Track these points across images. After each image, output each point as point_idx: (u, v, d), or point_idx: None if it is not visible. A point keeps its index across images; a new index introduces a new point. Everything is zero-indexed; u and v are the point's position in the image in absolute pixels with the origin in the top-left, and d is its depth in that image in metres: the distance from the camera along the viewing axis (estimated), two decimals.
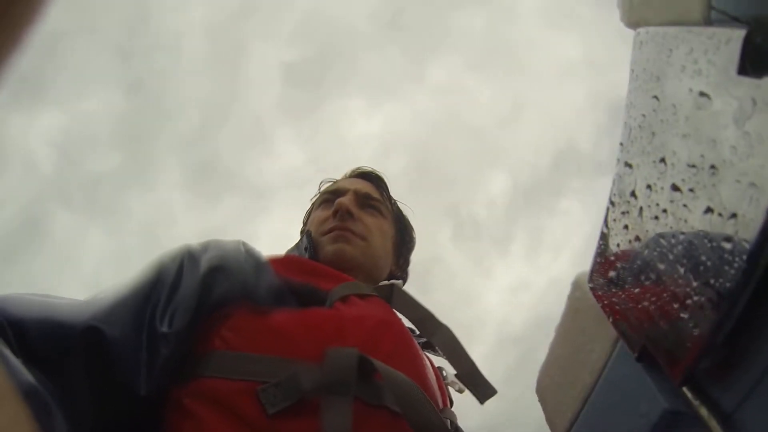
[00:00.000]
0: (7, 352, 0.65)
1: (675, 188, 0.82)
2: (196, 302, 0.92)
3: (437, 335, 1.11)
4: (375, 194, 1.40)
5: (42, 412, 0.61)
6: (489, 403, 1.07)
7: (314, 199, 1.48)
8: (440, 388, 1.10)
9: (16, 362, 0.65)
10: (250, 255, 1.06)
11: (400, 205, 1.51)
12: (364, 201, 1.36)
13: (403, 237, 1.44)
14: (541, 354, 1.35)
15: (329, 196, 1.39)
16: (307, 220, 1.46)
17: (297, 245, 1.32)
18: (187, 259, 0.99)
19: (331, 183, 1.47)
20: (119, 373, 0.81)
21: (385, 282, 1.24)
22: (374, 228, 1.33)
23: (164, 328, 0.87)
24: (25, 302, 0.81)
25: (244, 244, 1.08)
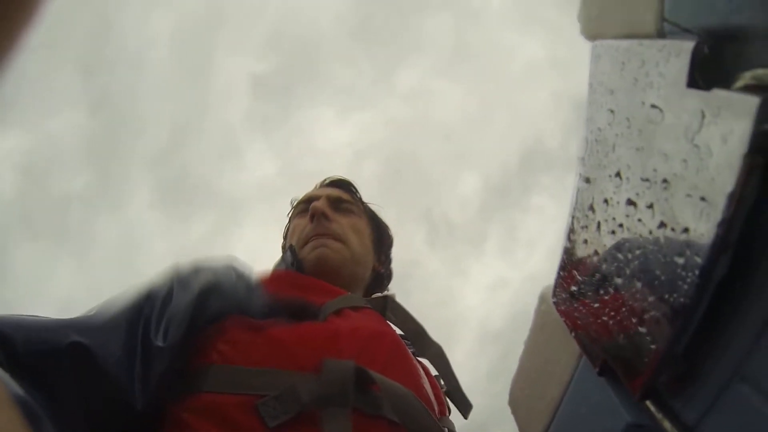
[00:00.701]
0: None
1: (630, 202, 0.82)
2: (191, 316, 0.92)
3: (429, 352, 1.14)
4: (346, 197, 1.43)
5: (32, 423, 0.59)
6: (474, 398, 1.14)
7: (290, 214, 1.49)
8: (437, 396, 1.12)
9: (4, 374, 0.65)
10: (242, 273, 1.06)
11: (372, 207, 1.54)
12: (336, 204, 1.39)
13: (379, 233, 1.48)
14: (521, 349, 1.36)
15: (303, 206, 1.41)
16: (286, 235, 1.47)
17: (283, 259, 1.32)
18: (177, 278, 0.99)
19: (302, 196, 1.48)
20: (113, 387, 0.80)
21: (379, 294, 1.29)
22: (350, 227, 1.36)
23: (159, 342, 0.87)
24: (15, 320, 0.80)
25: (234, 260, 1.09)
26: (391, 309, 1.19)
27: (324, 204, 1.36)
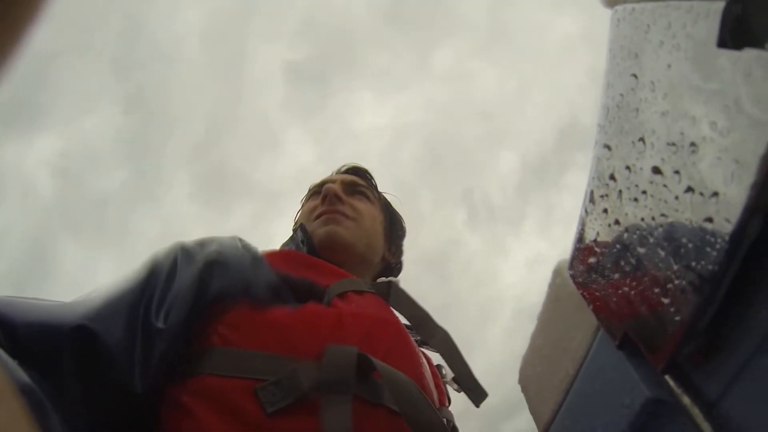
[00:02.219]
0: (2, 352, 0.65)
1: (655, 168, 0.79)
2: (193, 297, 0.92)
3: (435, 338, 1.13)
4: (361, 182, 1.45)
5: (38, 411, 0.61)
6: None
7: (303, 200, 1.52)
8: (438, 386, 1.14)
9: (11, 361, 0.64)
10: (247, 250, 1.07)
11: (388, 197, 1.57)
12: (351, 188, 1.41)
13: (392, 223, 1.49)
14: None
15: (317, 189, 1.43)
16: (297, 219, 1.48)
17: (292, 239, 1.33)
18: (181, 255, 0.99)
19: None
20: (114, 370, 0.80)
21: (383, 279, 1.29)
22: (363, 211, 1.37)
23: (159, 324, 0.86)
24: (16, 303, 0.80)
25: (240, 239, 1.09)
26: (395, 294, 1.18)
27: (338, 186, 1.37)
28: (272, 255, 1.17)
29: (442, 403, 1.14)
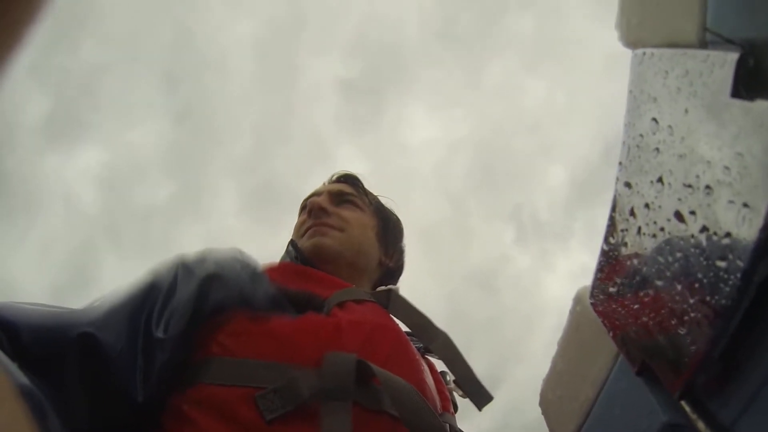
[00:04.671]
0: (2, 355, 0.67)
1: (672, 207, 0.84)
2: (192, 308, 0.93)
3: (436, 342, 1.13)
4: (349, 190, 1.44)
5: (38, 413, 0.62)
6: None
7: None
8: (441, 392, 1.15)
9: (10, 363, 0.66)
10: (246, 263, 1.08)
11: (382, 199, 1.56)
12: (338, 198, 1.41)
13: (386, 226, 1.47)
14: None
15: (305, 203, 1.44)
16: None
17: (287, 252, 1.34)
18: (181, 268, 1.00)
19: None
20: (115, 379, 0.82)
21: (383, 288, 1.26)
22: (351, 219, 1.37)
23: (160, 334, 0.88)
24: (20, 309, 0.82)
25: (240, 252, 1.09)
26: (394, 302, 1.18)
27: (324, 199, 1.39)
28: (272, 268, 1.19)
29: (446, 409, 1.14)
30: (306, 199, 1.47)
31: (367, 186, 1.50)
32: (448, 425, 1.03)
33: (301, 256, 1.29)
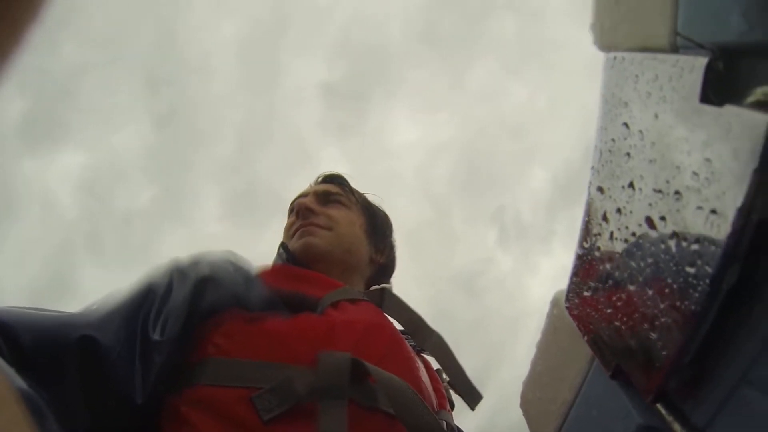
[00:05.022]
0: (0, 360, 0.66)
1: (643, 213, 0.84)
2: (187, 311, 0.93)
3: (429, 341, 1.13)
4: (335, 189, 1.43)
5: (36, 417, 0.61)
6: None
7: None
8: (437, 390, 1.14)
9: (9, 369, 0.65)
10: (240, 266, 1.08)
11: (369, 197, 1.55)
12: (325, 198, 1.40)
13: (374, 223, 1.46)
14: None
15: (293, 205, 1.42)
16: None
17: (279, 255, 1.34)
18: (176, 271, 1.00)
19: None
20: (114, 381, 0.82)
21: (376, 287, 1.28)
22: (338, 218, 1.36)
23: (156, 337, 0.88)
24: (19, 313, 0.81)
25: (233, 254, 1.09)
26: (388, 301, 1.18)
27: (311, 199, 1.38)
28: (265, 271, 1.18)
29: (442, 406, 1.13)
30: (293, 201, 1.45)
31: (352, 185, 1.51)
32: (444, 422, 1.03)
33: (292, 257, 1.29)
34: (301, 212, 1.35)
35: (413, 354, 1.10)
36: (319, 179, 1.51)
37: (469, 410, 1.13)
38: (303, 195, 1.43)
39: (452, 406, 1.25)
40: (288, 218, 1.42)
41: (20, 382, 0.64)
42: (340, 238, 1.33)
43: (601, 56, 1.04)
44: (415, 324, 1.16)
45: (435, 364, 1.23)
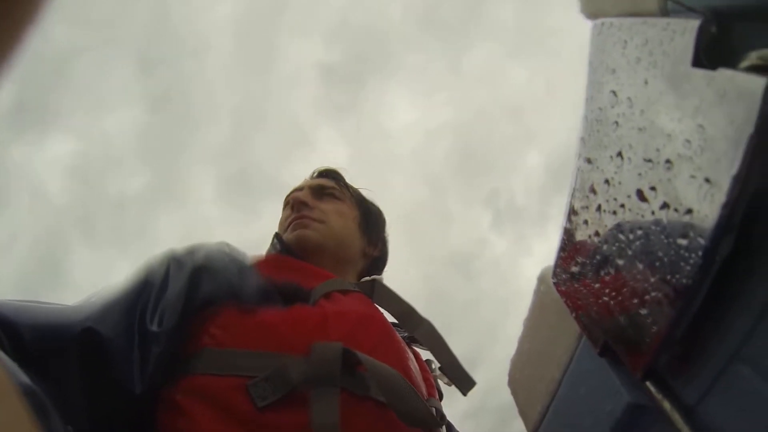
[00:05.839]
0: (2, 354, 0.66)
1: (632, 183, 0.81)
2: (183, 301, 0.94)
3: (419, 330, 1.14)
4: (329, 184, 1.45)
5: (39, 412, 0.62)
6: None
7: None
8: (426, 379, 1.16)
9: (12, 363, 0.65)
10: (234, 256, 1.09)
11: (363, 191, 1.57)
12: (319, 192, 1.42)
13: (368, 216, 1.48)
14: None
15: (288, 199, 1.45)
16: None
17: (273, 246, 1.35)
18: (173, 262, 1.01)
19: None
20: (114, 373, 0.83)
21: (367, 278, 1.30)
22: (332, 211, 1.38)
23: (154, 327, 0.89)
24: (18, 306, 0.81)
25: (228, 245, 1.11)
26: (378, 291, 1.20)
27: (305, 193, 1.40)
28: (259, 261, 1.20)
29: (431, 395, 1.15)
30: (288, 195, 1.48)
31: (348, 175, 1.53)
32: (434, 409, 1.04)
33: (286, 248, 1.31)
34: (295, 206, 1.37)
35: (403, 344, 1.12)
36: (315, 174, 1.53)
37: (464, 396, 1.13)
38: (298, 189, 1.45)
39: (441, 397, 1.26)
40: (283, 212, 1.45)
41: (23, 378, 0.64)
42: (333, 230, 1.35)
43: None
44: (405, 314, 1.17)
45: (425, 354, 1.25)
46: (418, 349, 1.27)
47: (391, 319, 1.17)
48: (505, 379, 1.39)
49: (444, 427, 1.12)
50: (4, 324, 0.75)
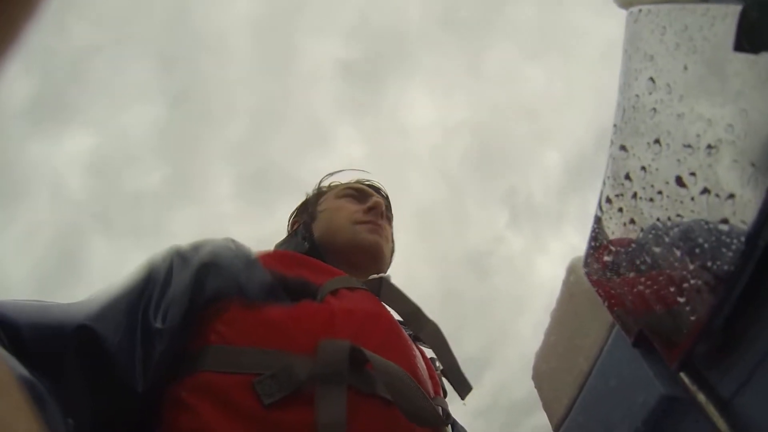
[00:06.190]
0: (1, 349, 0.66)
1: (671, 170, 0.80)
2: (189, 297, 0.94)
3: (425, 330, 1.14)
4: (390, 208, 1.50)
5: (38, 402, 0.62)
6: None
7: (320, 191, 1.53)
8: (432, 377, 1.14)
9: (9, 356, 0.66)
10: (240, 251, 1.08)
11: None
12: (387, 212, 1.46)
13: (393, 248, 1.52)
14: None
15: (354, 193, 1.46)
16: (303, 210, 1.50)
17: (294, 234, 1.36)
18: (176, 257, 1.01)
19: (348, 181, 1.54)
20: (116, 370, 0.82)
21: (374, 276, 1.28)
22: (390, 235, 1.44)
23: (158, 324, 0.88)
24: (19, 306, 0.81)
25: (233, 241, 1.11)
26: (386, 290, 1.20)
27: (384, 208, 1.42)
28: (266, 256, 1.19)
29: (437, 393, 1.15)
30: (352, 187, 1.49)
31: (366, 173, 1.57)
32: (440, 408, 1.05)
33: (311, 237, 1.33)
34: (380, 213, 1.39)
35: (410, 342, 1.12)
36: (372, 183, 1.55)
37: (461, 400, 1.14)
38: (369, 193, 1.46)
39: (445, 394, 1.27)
40: (341, 198, 1.45)
41: (22, 370, 0.64)
42: (389, 252, 1.41)
43: (618, 41, 1.00)
44: (412, 313, 1.17)
45: (429, 354, 1.26)
46: (423, 348, 1.28)
47: (397, 317, 1.18)
48: (517, 376, 1.38)
49: (450, 425, 1.12)
50: (4, 323, 0.75)
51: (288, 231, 1.49)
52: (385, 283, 1.21)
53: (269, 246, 1.36)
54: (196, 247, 1.05)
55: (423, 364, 1.09)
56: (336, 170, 1.58)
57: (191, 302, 0.94)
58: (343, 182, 1.52)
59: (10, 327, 0.75)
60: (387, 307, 1.16)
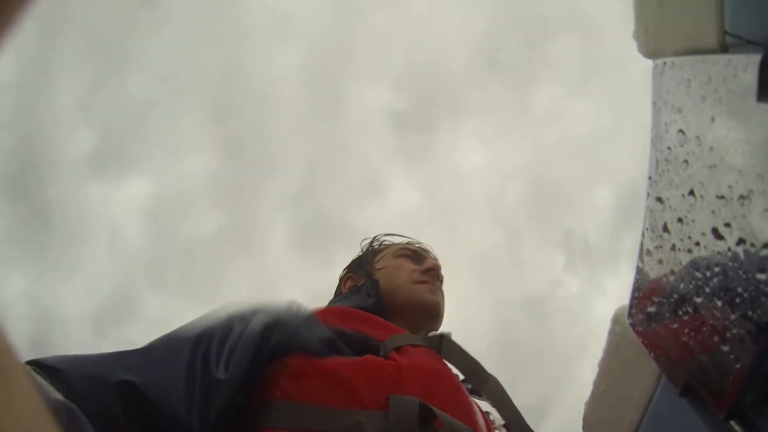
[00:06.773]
0: (33, 373, 0.70)
1: (706, 221, 0.81)
2: (255, 349, 0.94)
3: (486, 385, 1.15)
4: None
5: (74, 424, 0.64)
6: None
7: (377, 248, 1.58)
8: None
9: (45, 384, 0.69)
10: (300, 310, 1.09)
11: None
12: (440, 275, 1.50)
13: None
14: None
15: (410, 253, 1.51)
16: (358, 267, 1.54)
17: (358, 290, 1.39)
18: (236, 312, 1.02)
19: (405, 242, 1.58)
20: (169, 421, 0.83)
21: (434, 333, 1.30)
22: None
23: (219, 375, 0.89)
24: (70, 358, 0.83)
25: (293, 302, 1.11)
26: (447, 347, 1.21)
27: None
28: (323, 312, 1.20)
29: None
30: (409, 248, 1.54)
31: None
32: None
33: (376, 294, 1.34)
34: (439, 276, 1.45)
35: (471, 399, 1.12)
36: (423, 246, 1.59)
37: None
38: (425, 255, 1.52)
39: None
40: (399, 257, 1.49)
41: (56, 395, 0.67)
42: (443, 313, 1.43)
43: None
44: (473, 369, 1.19)
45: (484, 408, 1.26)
46: (479, 402, 1.28)
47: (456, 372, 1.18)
48: (579, 423, 1.37)
49: None
50: (53, 371, 0.77)
51: (341, 287, 1.52)
52: (446, 340, 1.21)
53: (323, 302, 1.38)
54: (255, 306, 1.05)
55: (482, 420, 1.09)
56: (391, 233, 1.61)
57: (256, 354, 0.94)
58: (396, 242, 1.56)
59: (62, 379, 0.76)
60: (447, 363, 1.16)
